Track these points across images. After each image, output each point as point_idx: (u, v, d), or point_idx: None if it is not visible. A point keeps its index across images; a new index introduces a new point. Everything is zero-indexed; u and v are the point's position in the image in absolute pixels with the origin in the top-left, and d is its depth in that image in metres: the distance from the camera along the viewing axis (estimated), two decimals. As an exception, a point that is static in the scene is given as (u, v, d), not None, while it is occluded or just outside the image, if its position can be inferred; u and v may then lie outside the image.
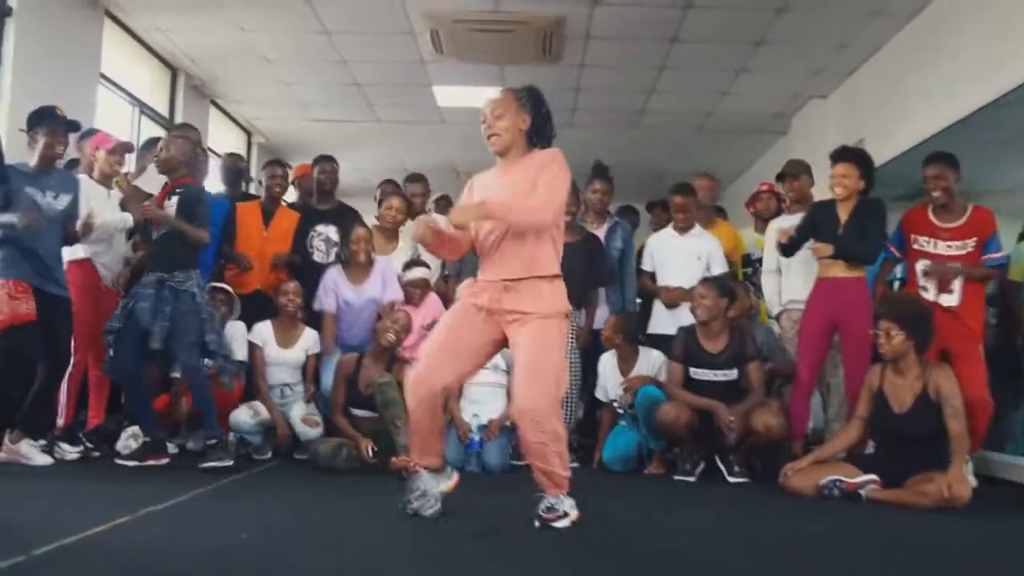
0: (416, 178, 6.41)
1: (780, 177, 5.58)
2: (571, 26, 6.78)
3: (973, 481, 4.40)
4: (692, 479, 4.66)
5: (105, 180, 4.87)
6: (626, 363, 5.15)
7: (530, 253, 3.09)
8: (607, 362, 5.25)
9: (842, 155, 4.84)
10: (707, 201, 5.88)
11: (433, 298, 5.38)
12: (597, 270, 5.33)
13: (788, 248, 4.98)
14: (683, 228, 5.63)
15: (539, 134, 3.18)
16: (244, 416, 4.96)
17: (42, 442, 4.54)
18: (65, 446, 4.58)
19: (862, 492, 4.01)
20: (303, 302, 5.30)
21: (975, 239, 4.65)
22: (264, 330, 5.25)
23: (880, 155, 6.87)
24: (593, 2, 6.38)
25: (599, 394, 5.29)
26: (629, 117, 9.12)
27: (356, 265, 5.29)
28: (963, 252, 4.66)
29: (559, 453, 3.04)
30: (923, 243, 4.75)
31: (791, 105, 8.55)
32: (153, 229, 4.58)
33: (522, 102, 3.15)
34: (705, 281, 4.94)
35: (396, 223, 5.65)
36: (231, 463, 4.38)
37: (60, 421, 4.64)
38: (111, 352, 4.50)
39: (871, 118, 7.30)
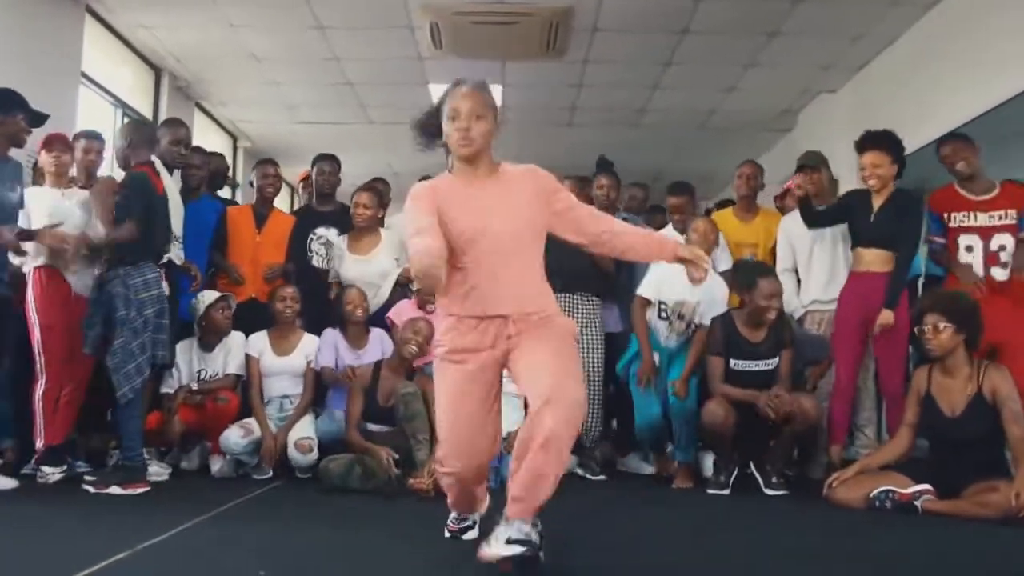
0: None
1: (799, 169, 5.31)
2: (579, 17, 6.51)
3: None
4: (726, 492, 4.36)
5: (57, 181, 4.44)
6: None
7: (534, 276, 2.71)
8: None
9: (871, 142, 4.59)
10: (746, 191, 5.55)
11: None
12: (593, 267, 4.93)
13: (815, 219, 4.78)
14: (682, 228, 5.31)
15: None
16: (235, 438, 4.60)
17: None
18: (47, 468, 4.18)
19: (917, 503, 3.73)
20: (300, 308, 5.00)
21: (1014, 210, 4.42)
22: (260, 340, 4.93)
23: (896, 148, 6.70)
24: (602, -11, 6.13)
25: (646, 291, 4.79)
26: (630, 115, 8.88)
27: (354, 328, 4.93)
28: (1006, 222, 4.42)
29: (564, 462, 2.52)
30: (961, 219, 4.51)
31: (798, 101, 8.34)
32: None
33: (495, 107, 2.69)
34: (772, 276, 4.54)
35: (369, 220, 5.29)
36: (121, 491, 3.96)
37: (39, 443, 4.21)
38: None
39: (883, 113, 7.04)
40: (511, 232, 2.62)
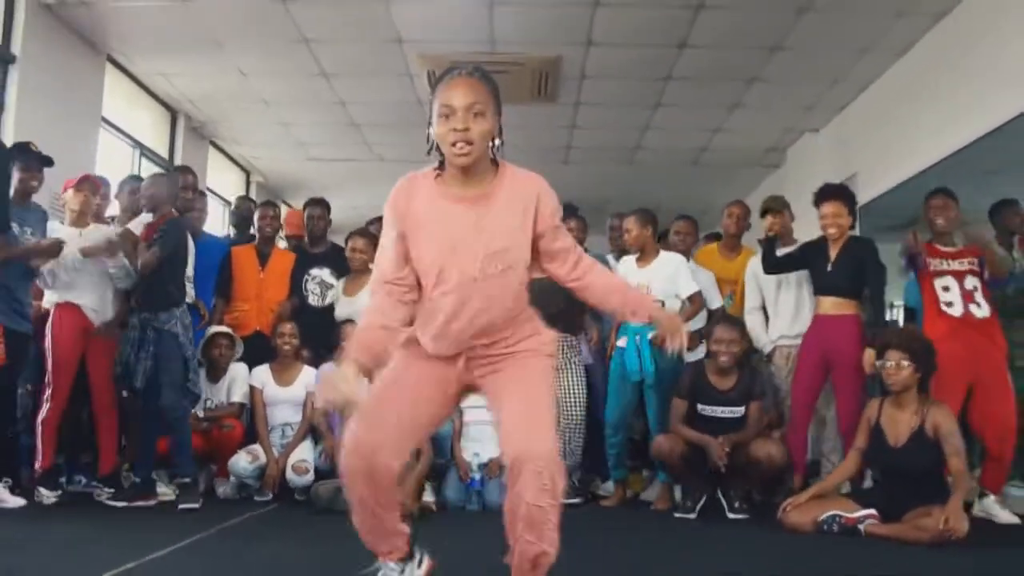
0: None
1: (764, 214, 5.62)
2: (566, 66, 6.89)
3: (1009, 517, 4.46)
4: (692, 516, 4.66)
5: (79, 220, 4.80)
6: (644, 260, 5.21)
7: (513, 305, 2.41)
8: (626, 260, 5.38)
9: (829, 194, 4.91)
10: (735, 230, 5.82)
11: None
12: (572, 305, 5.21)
13: (773, 265, 5.11)
14: (683, 249, 5.62)
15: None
16: (243, 463, 4.99)
17: (8, 480, 4.53)
18: (44, 490, 4.51)
19: (860, 527, 4.02)
20: (300, 343, 5.37)
21: (976, 258, 4.81)
22: (262, 372, 5.31)
23: (874, 188, 7.02)
24: (588, 43, 6.49)
25: None
26: (624, 153, 9.22)
27: None
28: (974, 268, 4.78)
29: (556, 525, 2.23)
30: (937, 264, 4.80)
31: (784, 139, 8.67)
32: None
33: (498, 100, 2.30)
34: (728, 324, 4.92)
35: (363, 263, 5.55)
36: (197, 505, 4.48)
37: (37, 465, 4.55)
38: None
39: (863, 152, 7.40)
40: (488, 267, 2.28)
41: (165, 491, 4.80)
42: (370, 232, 5.86)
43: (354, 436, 2.29)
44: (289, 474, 4.94)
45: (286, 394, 5.25)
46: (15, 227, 4.37)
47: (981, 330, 4.66)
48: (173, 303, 4.63)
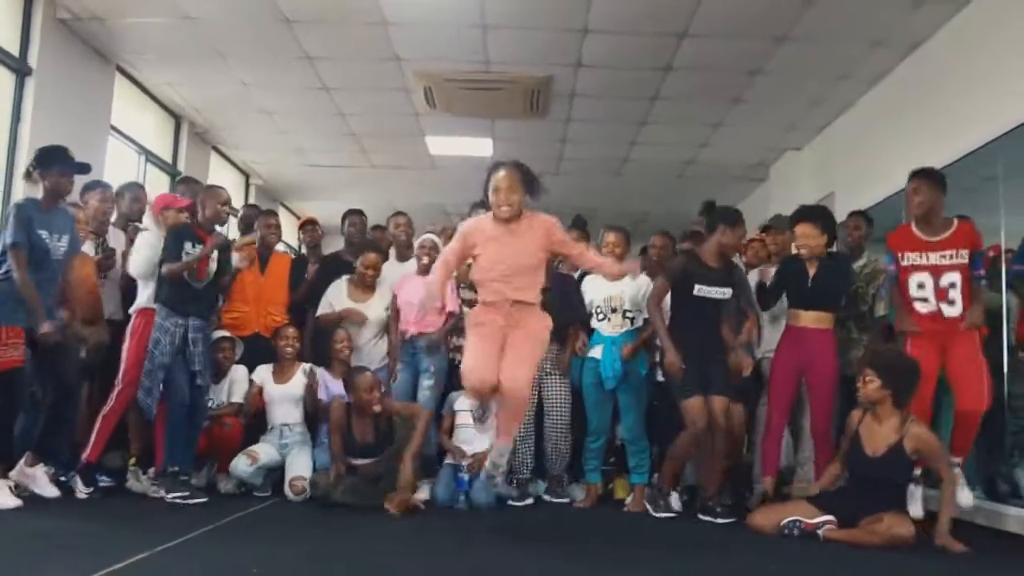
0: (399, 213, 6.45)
1: (765, 229, 5.84)
2: (557, 85, 7.20)
3: (969, 498, 4.55)
4: (671, 514, 4.96)
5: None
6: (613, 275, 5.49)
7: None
8: (592, 277, 5.63)
9: (801, 216, 5.13)
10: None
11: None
12: (568, 307, 5.51)
13: (767, 299, 5.29)
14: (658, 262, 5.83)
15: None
16: (243, 465, 5.17)
17: (51, 470, 4.76)
18: (80, 484, 4.75)
19: (819, 532, 4.31)
20: (301, 346, 5.63)
21: (966, 250, 4.66)
22: (263, 371, 5.55)
23: (851, 206, 7.26)
24: (578, 65, 6.80)
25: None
26: (612, 165, 9.54)
27: (337, 363, 5.60)
28: (957, 262, 4.66)
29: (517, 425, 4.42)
30: (914, 258, 4.76)
31: (768, 156, 8.99)
32: (199, 279, 4.95)
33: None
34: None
35: (373, 281, 5.85)
36: (182, 494, 4.73)
37: (84, 456, 4.80)
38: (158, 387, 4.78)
39: (843, 170, 7.69)
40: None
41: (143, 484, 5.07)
42: (383, 249, 6.13)
43: (475, 378, 3.92)
44: (287, 490, 5.12)
45: (284, 391, 5.46)
46: (44, 233, 4.47)
47: (950, 326, 4.67)
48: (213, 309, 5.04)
